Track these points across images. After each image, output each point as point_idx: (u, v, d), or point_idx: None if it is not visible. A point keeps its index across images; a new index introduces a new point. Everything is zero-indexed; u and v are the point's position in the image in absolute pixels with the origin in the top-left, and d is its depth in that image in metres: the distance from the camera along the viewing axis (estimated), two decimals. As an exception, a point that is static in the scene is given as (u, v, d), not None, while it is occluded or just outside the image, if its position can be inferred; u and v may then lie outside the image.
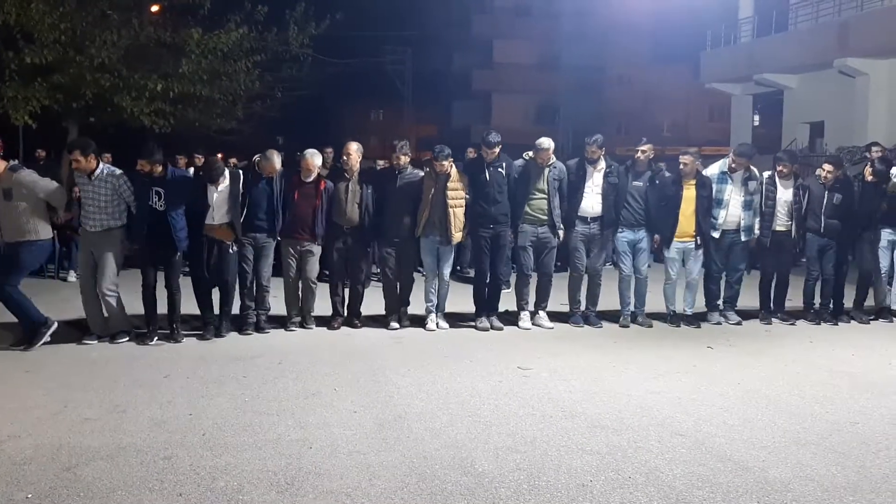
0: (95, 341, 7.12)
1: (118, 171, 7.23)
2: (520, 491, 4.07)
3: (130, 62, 14.49)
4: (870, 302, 8.90)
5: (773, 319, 8.59)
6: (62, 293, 9.46)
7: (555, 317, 8.29)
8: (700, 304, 8.55)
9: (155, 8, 15.91)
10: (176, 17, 15.54)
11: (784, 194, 8.45)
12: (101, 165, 7.15)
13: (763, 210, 8.42)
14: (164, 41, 15.00)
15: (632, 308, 8.34)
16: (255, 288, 7.71)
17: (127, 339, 7.20)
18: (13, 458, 4.39)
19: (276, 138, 31.00)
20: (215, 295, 7.53)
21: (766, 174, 8.56)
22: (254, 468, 4.29)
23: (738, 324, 8.42)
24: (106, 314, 7.25)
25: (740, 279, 8.62)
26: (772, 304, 8.71)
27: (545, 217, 7.98)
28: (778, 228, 8.47)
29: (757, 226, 8.43)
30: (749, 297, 8.85)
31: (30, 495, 3.93)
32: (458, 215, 7.80)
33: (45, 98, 13.73)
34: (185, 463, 4.35)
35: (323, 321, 7.95)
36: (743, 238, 8.37)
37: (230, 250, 7.38)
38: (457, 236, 7.88)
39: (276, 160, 7.57)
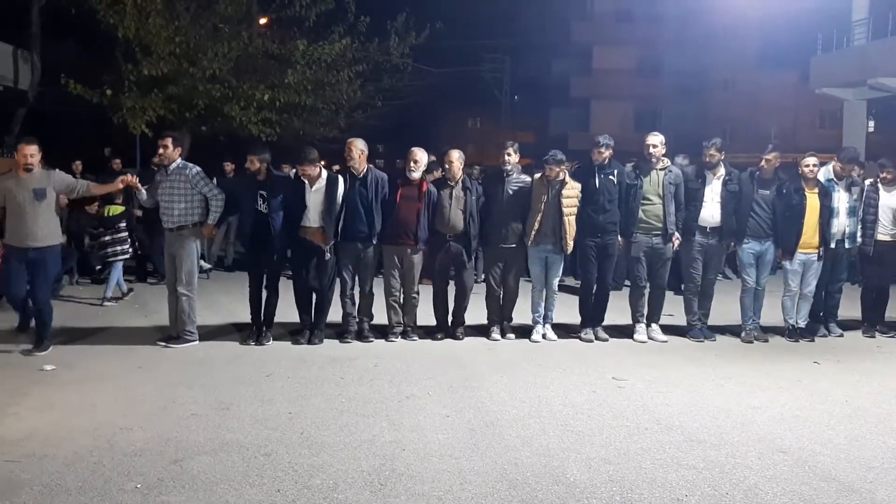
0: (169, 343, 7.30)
1: (190, 164, 7.38)
2: (612, 503, 4.02)
3: (240, 73, 15.10)
4: None
5: (875, 333, 8.28)
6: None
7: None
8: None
9: (263, 21, 16.50)
10: (283, 29, 16.07)
11: (889, 201, 8.11)
12: (179, 160, 7.34)
13: (864, 218, 8.13)
14: (272, 52, 15.57)
15: (753, 321, 7.99)
16: (356, 295, 7.65)
17: (191, 343, 7.29)
18: (124, 449, 4.63)
19: (377, 146, 31.53)
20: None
21: (868, 181, 8.24)
22: (349, 468, 4.39)
23: (841, 336, 8.15)
24: (179, 313, 7.35)
25: (841, 289, 8.32)
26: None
27: (660, 224, 7.71)
28: (881, 237, 8.12)
29: (859, 234, 8.14)
30: (845, 308, 8.51)
31: (139, 485, 4.14)
32: (572, 223, 7.55)
33: (161, 108, 14.44)
34: (284, 460, 4.49)
35: (425, 331, 7.84)
36: (847, 246, 8.10)
37: (326, 257, 7.40)
38: (570, 245, 7.61)
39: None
